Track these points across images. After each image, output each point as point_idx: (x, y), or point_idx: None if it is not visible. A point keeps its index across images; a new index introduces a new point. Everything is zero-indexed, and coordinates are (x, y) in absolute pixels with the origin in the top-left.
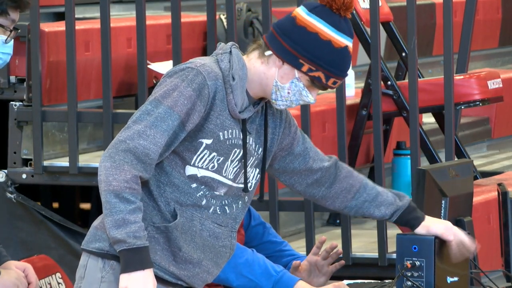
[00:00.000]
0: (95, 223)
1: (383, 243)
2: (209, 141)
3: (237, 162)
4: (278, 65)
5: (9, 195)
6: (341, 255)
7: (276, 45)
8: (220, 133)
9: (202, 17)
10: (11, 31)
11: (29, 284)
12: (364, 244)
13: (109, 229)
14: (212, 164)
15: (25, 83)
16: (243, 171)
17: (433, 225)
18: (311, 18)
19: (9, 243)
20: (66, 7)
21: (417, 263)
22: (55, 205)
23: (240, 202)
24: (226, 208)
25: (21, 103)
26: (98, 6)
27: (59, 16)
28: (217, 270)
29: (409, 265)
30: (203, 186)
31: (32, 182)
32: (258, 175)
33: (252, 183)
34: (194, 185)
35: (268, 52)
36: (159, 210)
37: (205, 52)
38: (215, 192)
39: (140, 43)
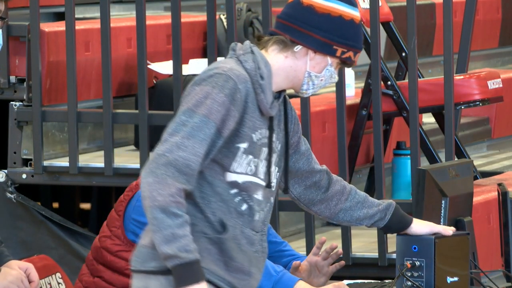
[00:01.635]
0: (144, 241)
1: (383, 243)
2: (245, 145)
3: (265, 162)
4: (311, 57)
5: (9, 195)
6: (341, 255)
7: (306, 38)
8: (253, 135)
9: (202, 17)
10: None
11: (31, 282)
12: (364, 244)
13: (158, 245)
14: (250, 168)
15: (25, 83)
16: (268, 170)
17: (419, 227)
18: (329, 2)
19: (9, 243)
20: (66, 7)
21: (417, 263)
22: (55, 205)
23: (268, 204)
24: (261, 212)
25: (21, 103)
26: (98, 6)
27: (59, 16)
28: (260, 276)
29: (409, 265)
30: (243, 192)
31: (32, 182)
32: (278, 173)
33: (274, 182)
34: (235, 191)
35: (298, 47)
36: (208, 221)
37: (205, 52)
38: (255, 196)
39: (140, 43)
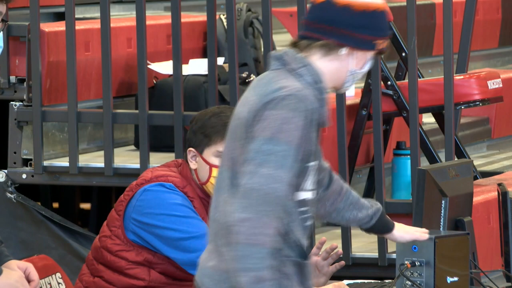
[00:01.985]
0: (216, 264)
1: (383, 243)
2: (314, 163)
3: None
4: (354, 56)
5: (9, 195)
6: (341, 256)
7: (350, 40)
8: (316, 149)
9: (202, 17)
10: None
11: (31, 282)
12: (364, 244)
13: (245, 283)
14: (313, 183)
15: (25, 83)
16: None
17: (400, 233)
18: None
19: (9, 243)
20: (66, 7)
21: (417, 263)
22: (55, 205)
23: None
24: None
25: (21, 103)
26: (98, 6)
27: (59, 16)
28: None
29: (409, 265)
30: (308, 208)
31: (32, 182)
32: None
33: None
34: (303, 209)
35: (343, 50)
36: (289, 244)
37: (205, 52)
38: (313, 210)
39: (140, 43)
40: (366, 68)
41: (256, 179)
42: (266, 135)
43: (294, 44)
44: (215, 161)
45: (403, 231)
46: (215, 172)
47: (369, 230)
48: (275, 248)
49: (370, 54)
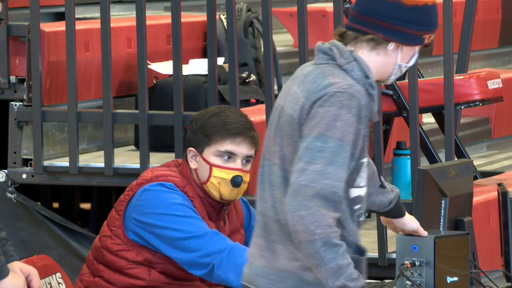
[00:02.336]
0: (289, 266)
1: (383, 243)
2: (366, 159)
3: None
4: (402, 50)
5: (9, 195)
6: None
7: (400, 35)
8: (364, 147)
9: (202, 17)
10: None
11: None
12: (364, 244)
13: (326, 279)
14: (365, 180)
15: (25, 83)
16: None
17: (408, 219)
18: None
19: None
20: (66, 7)
21: (417, 263)
22: (55, 205)
23: None
24: None
25: (21, 103)
26: (98, 6)
27: (59, 16)
28: None
29: (409, 265)
30: (361, 204)
31: (32, 182)
32: None
33: None
34: (357, 206)
35: (391, 45)
36: (345, 241)
37: (205, 52)
38: (365, 207)
39: (140, 43)
40: (412, 62)
41: (307, 176)
42: (317, 132)
43: (340, 35)
44: (215, 160)
45: (411, 219)
46: (215, 171)
47: (384, 213)
48: (338, 236)
49: (417, 48)
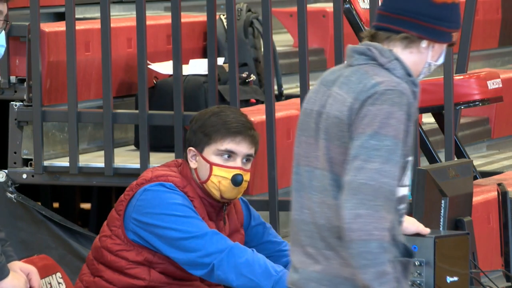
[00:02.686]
0: (343, 272)
1: None
2: (412, 158)
3: None
4: (433, 48)
5: (9, 195)
6: None
7: (432, 33)
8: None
9: (202, 17)
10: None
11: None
12: None
13: (370, 281)
14: (409, 179)
15: (25, 83)
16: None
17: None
18: None
19: (9, 243)
20: (66, 7)
21: (417, 263)
22: (55, 205)
23: None
24: None
25: (21, 103)
26: (98, 6)
27: (59, 16)
28: None
29: None
30: (404, 204)
31: (32, 182)
32: None
33: None
34: (402, 206)
35: (424, 43)
36: (396, 242)
37: (205, 52)
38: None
39: (140, 43)
40: (441, 60)
41: (365, 174)
42: (371, 130)
43: (372, 36)
44: (216, 159)
45: (409, 222)
46: (215, 170)
47: None
48: (391, 242)
49: (445, 46)
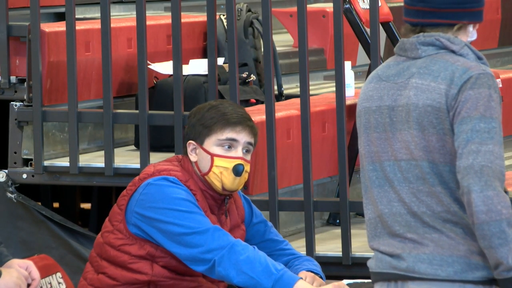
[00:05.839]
0: (455, 251)
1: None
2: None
3: None
4: (470, 30)
5: (9, 195)
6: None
7: (477, 15)
8: None
9: (202, 17)
10: None
11: (32, 280)
12: (364, 244)
13: (505, 258)
14: None
15: (25, 83)
16: None
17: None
18: None
19: (10, 243)
20: (66, 7)
21: None
22: (56, 205)
23: None
24: None
25: (21, 103)
26: (98, 6)
27: (59, 16)
28: None
29: None
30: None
31: (33, 182)
32: None
33: None
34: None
35: (471, 27)
36: None
37: (205, 52)
38: None
39: (140, 43)
40: (475, 36)
41: (484, 157)
42: (478, 113)
43: (418, 32)
44: (216, 150)
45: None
46: (217, 161)
47: None
48: None
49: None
